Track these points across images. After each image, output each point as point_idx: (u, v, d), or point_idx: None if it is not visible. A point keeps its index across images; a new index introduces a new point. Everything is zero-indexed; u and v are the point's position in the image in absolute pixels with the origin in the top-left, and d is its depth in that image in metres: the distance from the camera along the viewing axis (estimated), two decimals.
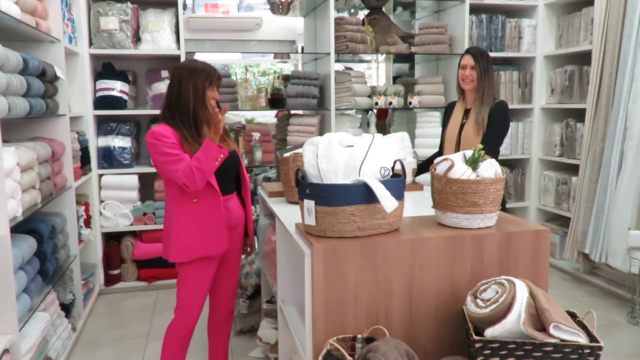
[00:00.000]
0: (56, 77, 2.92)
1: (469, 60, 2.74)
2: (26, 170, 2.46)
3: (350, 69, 5.81)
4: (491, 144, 2.62)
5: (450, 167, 1.69)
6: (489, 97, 2.73)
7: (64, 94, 3.08)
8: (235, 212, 2.34)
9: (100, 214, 3.86)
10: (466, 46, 4.15)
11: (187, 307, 2.26)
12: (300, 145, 2.13)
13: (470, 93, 2.79)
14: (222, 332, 2.50)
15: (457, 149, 2.78)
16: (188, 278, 2.25)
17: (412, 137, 4.03)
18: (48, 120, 3.02)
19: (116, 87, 3.77)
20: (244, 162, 4.08)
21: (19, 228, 2.41)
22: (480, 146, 1.78)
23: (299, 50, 5.51)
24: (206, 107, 2.18)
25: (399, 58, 5.49)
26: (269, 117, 5.85)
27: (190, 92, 2.15)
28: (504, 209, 2.51)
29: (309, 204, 1.61)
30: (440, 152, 2.97)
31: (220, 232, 2.23)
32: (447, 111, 2.98)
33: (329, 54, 3.91)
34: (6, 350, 2.04)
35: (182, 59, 3.79)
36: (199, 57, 6.06)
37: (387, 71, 5.80)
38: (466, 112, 2.82)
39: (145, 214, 3.92)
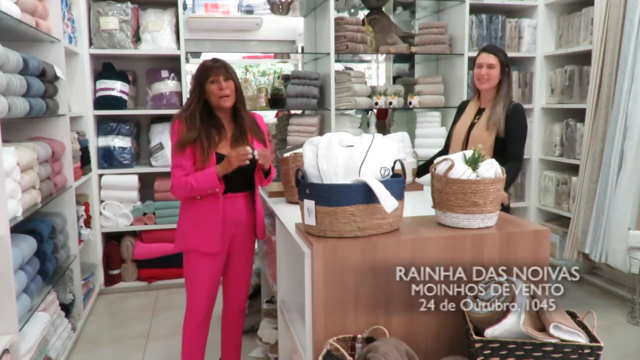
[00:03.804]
0: (56, 77, 2.92)
1: (486, 58, 2.64)
2: (26, 170, 2.46)
3: (350, 69, 5.81)
4: (518, 146, 2.65)
5: (450, 167, 1.69)
6: (509, 98, 2.65)
7: (64, 94, 3.08)
8: (237, 211, 2.33)
9: (100, 214, 3.86)
10: (466, 46, 4.15)
11: (190, 297, 2.36)
12: (300, 145, 2.13)
13: (487, 92, 2.70)
14: (233, 329, 2.55)
15: (465, 147, 2.69)
16: (187, 268, 2.35)
17: (412, 137, 4.02)
18: (48, 120, 3.02)
19: (116, 87, 3.77)
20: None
21: (19, 228, 2.41)
22: (481, 146, 1.78)
23: (299, 50, 5.51)
24: (209, 93, 2.30)
25: (399, 58, 5.48)
26: (269, 117, 5.84)
27: (196, 93, 2.30)
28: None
29: (309, 204, 1.61)
30: (445, 151, 2.92)
31: (214, 230, 2.27)
32: (460, 110, 2.90)
33: (329, 54, 3.91)
34: (6, 350, 2.04)
35: (182, 59, 3.79)
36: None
37: (387, 71, 5.80)
38: (479, 111, 2.74)
39: (145, 214, 3.92)
